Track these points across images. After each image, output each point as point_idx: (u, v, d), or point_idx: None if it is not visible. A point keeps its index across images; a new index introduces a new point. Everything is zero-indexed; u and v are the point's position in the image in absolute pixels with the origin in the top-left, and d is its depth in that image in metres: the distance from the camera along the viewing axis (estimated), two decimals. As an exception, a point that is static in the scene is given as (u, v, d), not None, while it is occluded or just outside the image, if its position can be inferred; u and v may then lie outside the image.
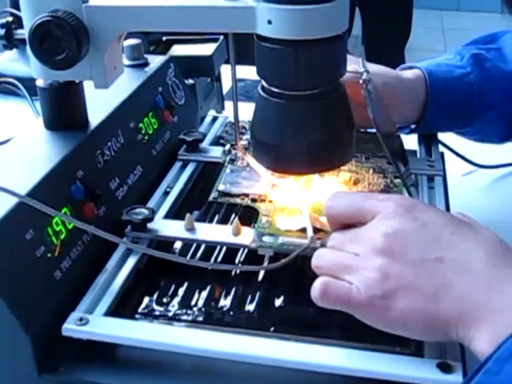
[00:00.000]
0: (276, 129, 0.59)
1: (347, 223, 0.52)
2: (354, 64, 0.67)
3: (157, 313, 0.57)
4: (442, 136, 0.83)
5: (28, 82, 1.06)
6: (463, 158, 0.88)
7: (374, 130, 0.73)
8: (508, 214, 0.83)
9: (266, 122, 0.60)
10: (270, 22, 0.54)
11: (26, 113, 1.04)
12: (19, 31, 0.66)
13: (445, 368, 0.48)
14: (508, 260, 0.47)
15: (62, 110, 0.66)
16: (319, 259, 0.51)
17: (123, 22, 0.59)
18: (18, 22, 0.85)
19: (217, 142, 0.80)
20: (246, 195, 0.67)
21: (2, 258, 0.51)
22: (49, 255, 0.54)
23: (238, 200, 0.67)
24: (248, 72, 0.80)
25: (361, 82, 0.64)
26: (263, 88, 0.59)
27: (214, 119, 0.86)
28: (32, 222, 0.54)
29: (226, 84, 1.00)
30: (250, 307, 0.57)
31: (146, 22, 0.59)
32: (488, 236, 0.48)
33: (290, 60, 0.55)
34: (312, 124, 0.58)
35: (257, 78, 0.59)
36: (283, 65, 0.56)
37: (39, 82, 0.65)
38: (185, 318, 0.56)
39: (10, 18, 0.65)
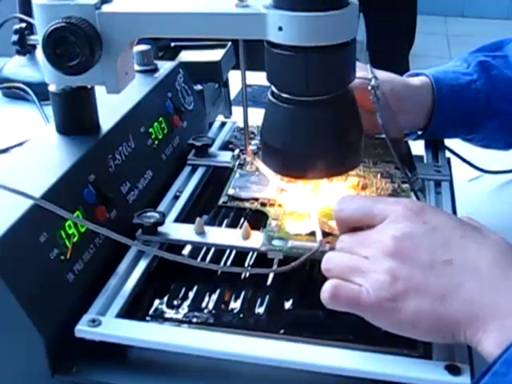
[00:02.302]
0: (285, 134, 0.60)
1: (356, 226, 0.53)
2: (363, 71, 0.68)
3: (167, 315, 0.58)
4: (448, 142, 0.83)
5: (37, 87, 1.08)
6: (469, 163, 0.89)
7: (381, 136, 0.74)
8: (514, 219, 0.84)
9: (275, 127, 0.61)
10: (280, 29, 0.55)
11: (35, 118, 1.05)
12: (32, 37, 0.67)
13: (453, 370, 0.48)
14: (515, 263, 0.47)
15: (74, 115, 0.66)
16: (329, 262, 0.52)
17: (135, 28, 0.60)
18: (29, 28, 0.87)
19: (225, 146, 0.81)
20: (256, 199, 0.68)
21: (16, 260, 0.51)
22: (62, 258, 0.55)
23: (247, 204, 0.68)
24: (255, 78, 0.80)
25: (369, 88, 0.65)
26: (273, 93, 0.60)
27: (223, 124, 0.87)
28: (45, 224, 0.55)
29: (234, 90, 1.01)
30: (260, 310, 0.58)
31: (158, 28, 0.60)
32: (496, 239, 0.49)
33: (301, 66, 0.56)
34: (321, 129, 0.59)
35: (264, 83, 0.60)
36: (293, 71, 0.57)
37: (51, 87, 0.66)
38: (195, 320, 0.57)
39: (24, 24, 0.66)
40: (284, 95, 0.58)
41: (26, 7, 0.97)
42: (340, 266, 0.50)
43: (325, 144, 0.59)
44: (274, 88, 0.59)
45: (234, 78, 0.98)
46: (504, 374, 0.42)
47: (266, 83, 0.60)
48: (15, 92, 1.13)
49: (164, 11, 0.59)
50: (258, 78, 0.77)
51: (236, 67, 0.95)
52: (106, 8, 0.60)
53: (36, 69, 1.11)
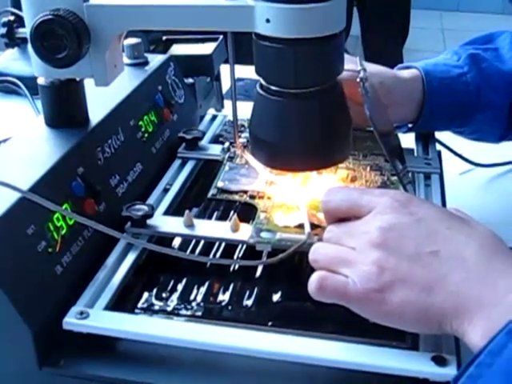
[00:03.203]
0: (274, 126, 0.60)
1: (343, 217, 0.53)
2: (352, 63, 0.68)
3: (156, 307, 0.58)
4: (439, 135, 0.83)
5: (29, 81, 1.07)
6: (460, 156, 0.89)
7: (371, 129, 0.74)
8: (504, 212, 0.84)
9: (264, 120, 0.61)
10: (268, 21, 0.55)
11: (27, 111, 1.05)
12: (21, 30, 0.67)
13: (439, 361, 0.49)
14: (502, 255, 0.47)
15: (63, 108, 0.66)
16: (316, 253, 0.52)
17: (124, 20, 0.60)
18: (19, 21, 0.86)
19: (216, 140, 0.81)
20: (245, 192, 0.68)
21: (4, 253, 0.51)
22: (50, 250, 0.55)
23: (236, 197, 0.68)
24: (247, 71, 0.80)
25: (358, 80, 0.65)
26: (261, 86, 0.60)
27: (214, 118, 0.87)
28: (33, 217, 0.55)
29: (226, 83, 1.00)
30: (248, 302, 0.58)
31: (147, 21, 0.60)
32: (482, 231, 0.49)
33: (288, 58, 0.56)
34: (310, 121, 0.59)
35: (256, 77, 0.60)
36: (281, 63, 0.57)
37: (40, 80, 0.65)
38: (184, 312, 0.57)
39: (12, 17, 0.66)
40: (272, 88, 0.58)
41: (18, 1, 0.96)
42: (327, 257, 0.51)
43: (313, 136, 0.59)
44: (262, 80, 0.59)
45: (226, 72, 0.97)
46: (489, 365, 0.42)
47: (258, 77, 0.60)
48: (7, 86, 1.13)
49: (152, 3, 0.59)
50: (250, 72, 0.77)
51: (228, 61, 0.95)
52: (93, 0, 0.59)
53: (28, 63, 1.10)
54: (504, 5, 3.63)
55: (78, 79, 0.65)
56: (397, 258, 0.48)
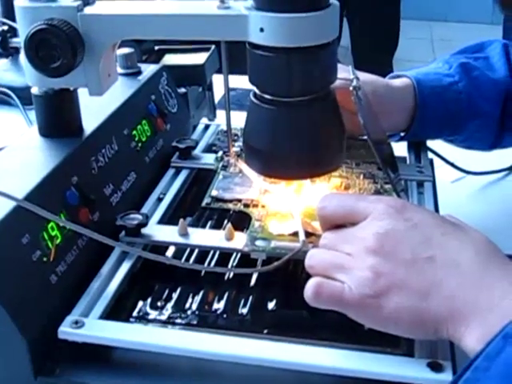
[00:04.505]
0: (268, 135, 0.60)
1: (338, 224, 0.53)
2: (344, 72, 0.68)
3: (151, 316, 0.58)
4: (431, 143, 0.84)
5: (20, 92, 1.07)
6: (452, 164, 0.89)
7: (364, 137, 0.74)
8: (496, 219, 0.84)
9: (257, 128, 0.61)
10: (262, 30, 0.55)
11: (19, 122, 1.05)
12: (14, 40, 0.67)
13: (435, 367, 0.49)
14: (496, 260, 0.48)
15: (57, 117, 0.66)
16: (312, 259, 0.52)
17: (117, 30, 0.60)
18: (12, 30, 0.87)
19: (209, 149, 0.81)
20: (239, 200, 0.68)
21: (-1, 262, 0.51)
22: (44, 259, 0.55)
23: (230, 205, 0.68)
24: (240, 81, 0.81)
25: (351, 88, 0.65)
26: (255, 95, 0.60)
27: (207, 127, 0.87)
28: (28, 226, 0.55)
29: (218, 93, 1.01)
30: (244, 310, 0.58)
31: (140, 31, 0.60)
32: (477, 237, 0.49)
33: (282, 67, 0.56)
34: (303, 130, 0.59)
35: (248, 87, 0.60)
36: (275, 72, 0.57)
37: (34, 90, 0.65)
38: (179, 321, 0.57)
39: (6, 27, 0.66)
40: (266, 96, 0.59)
41: (10, 11, 0.97)
42: (323, 263, 0.51)
43: (307, 145, 0.60)
44: (255, 89, 0.60)
45: (218, 82, 0.98)
46: (485, 369, 0.42)
47: (251, 87, 0.60)
48: (-2, 96, 1.13)
49: (146, 13, 0.59)
50: (243, 82, 0.77)
51: (220, 71, 0.95)
52: (88, 10, 0.60)
53: (19, 73, 1.11)
54: (492, 15, 3.66)
55: (71, 89, 0.65)
56: (392, 264, 0.48)
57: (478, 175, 0.91)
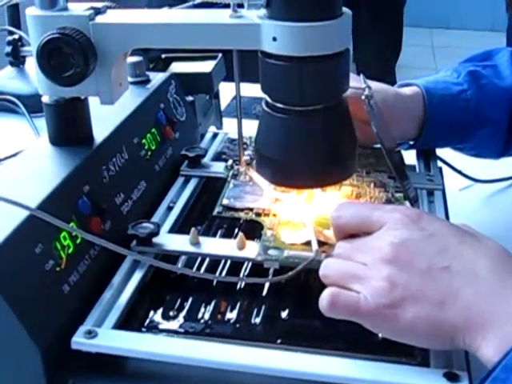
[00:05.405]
0: (279, 144, 0.60)
1: (353, 233, 0.53)
2: (355, 81, 0.68)
3: (163, 326, 0.57)
4: (439, 151, 0.84)
5: (26, 100, 1.07)
6: (460, 172, 0.89)
7: (375, 146, 0.74)
8: (505, 227, 0.84)
9: (269, 137, 0.61)
10: (274, 39, 0.55)
11: (25, 130, 1.04)
12: (24, 48, 0.67)
13: (451, 377, 0.49)
14: (512, 268, 0.48)
15: (68, 126, 0.66)
16: (327, 268, 0.52)
17: (129, 39, 0.60)
18: (20, 39, 0.87)
19: (218, 157, 0.81)
20: (250, 209, 0.68)
21: (12, 271, 0.51)
22: (57, 269, 0.55)
23: (241, 214, 0.68)
24: (245, 89, 0.81)
25: (363, 97, 0.65)
26: (267, 104, 0.60)
27: (215, 135, 0.87)
28: (41, 235, 0.54)
29: (224, 101, 1.01)
30: (257, 320, 0.58)
31: (152, 39, 0.60)
32: (492, 246, 0.49)
33: (295, 76, 0.56)
34: (315, 139, 0.59)
35: (254, 95, 0.60)
36: (288, 81, 0.57)
37: (44, 98, 0.65)
38: (191, 330, 0.57)
39: (17, 36, 0.66)
40: (278, 105, 0.59)
41: (15, 20, 0.97)
42: (338, 273, 0.51)
43: (319, 154, 0.59)
44: (268, 98, 0.60)
45: (225, 90, 0.98)
46: (503, 380, 0.42)
47: (256, 95, 0.60)
48: (4, 104, 1.12)
49: (158, 22, 0.60)
50: (248, 90, 0.77)
51: (226, 79, 0.95)
52: (99, 19, 0.60)
53: (25, 81, 1.11)
54: (493, 22, 3.67)
55: (82, 97, 0.65)
56: (408, 274, 0.48)
57: (485, 183, 0.91)
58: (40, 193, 0.58)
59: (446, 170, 0.86)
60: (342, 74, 0.59)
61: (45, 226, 0.55)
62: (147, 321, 0.58)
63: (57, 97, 0.65)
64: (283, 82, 0.57)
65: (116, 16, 0.61)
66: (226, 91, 0.99)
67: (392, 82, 0.84)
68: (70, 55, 0.58)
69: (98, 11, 0.60)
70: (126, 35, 0.60)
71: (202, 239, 0.63)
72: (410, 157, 0.80)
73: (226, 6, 0.57)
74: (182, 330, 0.57)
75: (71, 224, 0.58)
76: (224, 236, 0.67)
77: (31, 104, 1.04)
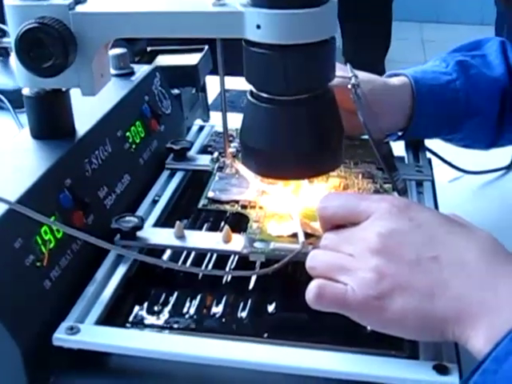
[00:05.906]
0: (265, 134, 0.59)
1: (340, 224, 0.52)
2: (342, 70, 0.67)
3: (148, 321, 0.56)
4: (428, 142, 0.83)
5: (11, 95, 1.06)
6: (450, 164, 0.88)
7: (362, 137, 0.73)
8: (494, 218, 0.84)
9: (254, 128, 0.60)
10: (258, 27, 0.54)
11: (10, 126, 1.03)
12: (4, 40, 0.66)
13: (441, 370, 0.48)
14: (502, 258, 0.47)
15: (49, 119, 0.65)
16: (313, 260, 0.51)
17: (110, 28, 0.59)
18: (1, 31, 0.85)
19: (204, 150, 0.80)
20: (236, 202, 0.67)
21: (-10, 267, 0.50)
22: (38, 264, 0.54)
23: (227, 207, 0.67)
24: (233, 82, 0.80)
25: (349, 86, 0.64)
26: (252, 93, 0.59)
27: (201, 128, 0.86)
28: (20, 230, 0.53)
29: (211, 94, 1.00)
30: (243, 314, 0.57)
31: (134, 29, 0.59)
32: (482, 235, 0.48)
33: (279, 65, 0.55)
34: (301, 129, 0.58)
35: (242, 88, 0.59)
36: (272, 70, 0.56)
37: (25, 91, 0.64)
38: (176, 326, 0.56)
39: (-1, 29, 0.65)
40: (263, 95, 0.58)
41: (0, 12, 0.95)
42: (325, 264, 0.49)
43: (305, 144, 0.58)
44: (252, 88, 0.58)
45: (212, 83, 0.97)
46: (494, 372, 0.41)
47: (244, 88, 0.59)
48: (-12, 100, 1.11)
49: (139, 11, 0.58)
50: (236, 83, 0.76)
51: (213, 72, 0.94)
52: (79, 8, 0.58)
53: (9, 76, 1.10)
54: (482, 16, 3.67)
55: (64, 89, 0.64)
56: (396, 265, 0.47)
57: (475, 174, 0.91)
58: (20, 187, 0.56)
59: (435, 161, 0.85)
60: (327, 63, 0.57)
61: (25, 220, 0.53)
62: (131, 316, 0.57)
63: (37, 89, 0.63)
64: (267, 70, 0.56)
65: (96, 5, 0.59)
66: (214, 85, 0.98)
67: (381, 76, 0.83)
68: (49, 45, 0.56)
69: (78, 1, 0.59)
70: (107, 25, 0.58)
71: (187, 232, 0.62)
72: (398, 148, 0.79)
73: (209, -7, 0.56)
74: (167, 325, 0.56)
75: (52, 218, 0.57)
76: (210, 229, 0.66)
77: (16, 99, 1.02)
